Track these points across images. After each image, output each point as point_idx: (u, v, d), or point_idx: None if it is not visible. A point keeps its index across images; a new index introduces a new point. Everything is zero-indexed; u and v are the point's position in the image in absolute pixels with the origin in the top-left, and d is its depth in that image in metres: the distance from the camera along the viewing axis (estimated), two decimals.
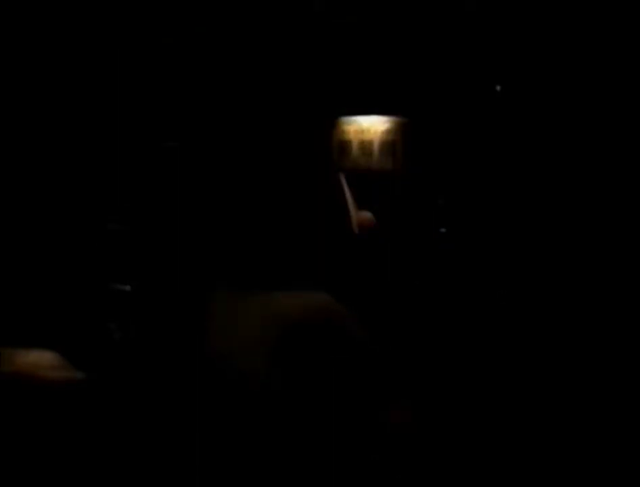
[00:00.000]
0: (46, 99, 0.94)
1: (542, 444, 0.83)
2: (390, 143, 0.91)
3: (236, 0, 0.92)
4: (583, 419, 0.82)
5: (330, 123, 0.90)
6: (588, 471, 0.80)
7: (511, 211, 0.87)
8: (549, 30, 0.87)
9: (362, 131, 0.92)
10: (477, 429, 0.83)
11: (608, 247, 0.85)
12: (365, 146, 0.92)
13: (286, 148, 0.87)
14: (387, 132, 0.91)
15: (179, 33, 0.93)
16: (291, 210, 0.84)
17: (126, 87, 0.94)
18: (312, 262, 0.84)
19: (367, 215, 0.89)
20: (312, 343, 0.57)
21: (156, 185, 0.89)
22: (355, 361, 0.59)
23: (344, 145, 0.92)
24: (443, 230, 0.88)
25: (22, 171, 0.92)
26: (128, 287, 0.85)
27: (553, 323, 0.84)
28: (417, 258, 0.88)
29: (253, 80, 0.89)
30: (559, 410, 0.83)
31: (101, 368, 0.77)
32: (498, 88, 0.87)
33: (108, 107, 0.94)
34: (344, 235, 0.86)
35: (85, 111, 0.94)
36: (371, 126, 0.91)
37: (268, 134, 0.88)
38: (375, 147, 0.92)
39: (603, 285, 0.84)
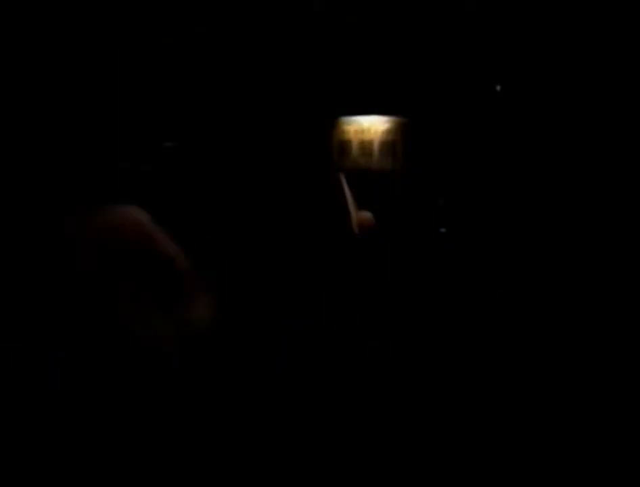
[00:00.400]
0: (45, 99, 0.94)
1: (542, 445, 0.83)
2: (390, 143, 0.92)
3: (236, 0, 0.92)
4: (582, 418, 0.82)
5: (330, 123, 0.91)
6: (582, 467, 0.80)
7: (511, 211, 0.88)
8: (549, 30, 0.88)
9: (362, 131, 0.92)
10: (475, 428, 0.83)
11: (609, 247, 0.85)
12: (365, 146, 0.92)
13: (286, 148, 0.87)
14: (388, 132, 0.91)
15: (179, 33, 0.93)
16: (291, 209, 0.84)
17: (125, 87, 0.94)
18: (312, 262, 0.84)
19: (367, 215, 0.89)
20: (109, 256, 0.55)
21: (157, 185, 0.90)
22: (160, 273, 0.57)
23: (344, 145, 0.92)
24: (443, 230, 0.88)
25: (20, 171, 0.93)
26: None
27: (553, 323, 0.84)
28: (417, 258, 0.88)
29: (253, 80, 0.89)
30: (559, 411, 0.83)
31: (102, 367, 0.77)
32: (498, 88, 0.87)
33: (108, 107, 0.94)
34: (344, 235, 0.86)
35: (85, 111, 0.94)
36: (371, 126, 0.91)
37: (268, 134, 0.88)
38: (375, 147, 0.92)
39: (604, 285, 0.85)
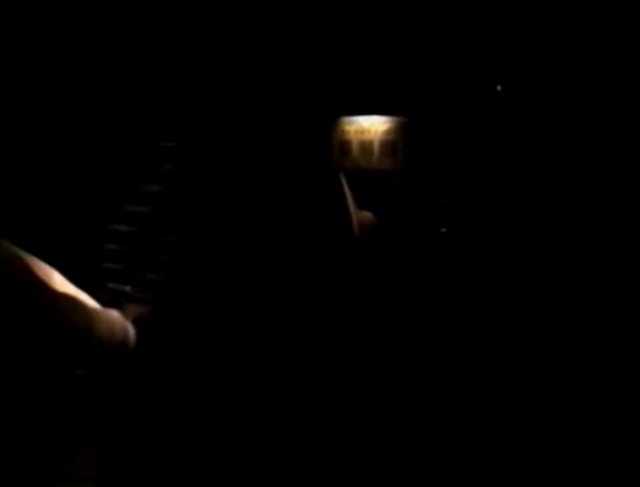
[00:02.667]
0: (43, 99, 0.94)
1: (542, 444, 0.83)
2: (390, 143, 0.92)
3: (237, 1, 0.92)
4: (581, 417, 0.82)
5: (330, 123, 0.90)
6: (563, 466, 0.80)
7: (511, 210, 0.87)
8: (550, 30, 0.87)
9: (363, 131, 0.92)
10: (474, 428, 0.83)
11: (609, 246, 0.85)
12: (365, 146, 0.92)
13: (287, 148, 0.87)
14: (388, 132, 0.91)
15: (181, 33, 0.93)
16: (291, 210, 0.84)
17: (126, 87, 0.94)
18: (313, 260, 0.84)
19: (367, 215, 0.89)
20: None
21: (159, 185, 0.90)
22: None
23: (344, 145, 0.92)
24: (444, 230, 0.88)
25: (19, 172, 0.92)
26: (128, 288, 0.85)
27: (554, 324, 0.84)
28: (417, 258, 0.88)
29: (253, 81, 0.89)
30: (558, 410, 0.83)
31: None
32: (498, 88, 0.87)
33: (108, 107, 0.94)
34: (344, 235, 0.86)
35: (83, 112, 0.94)
36: (371, 126, 0.91)
37: (268, 134, 0.88)
38: (375, 147, 0.92)
39: (604, 284, 0.84)
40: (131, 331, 0.68)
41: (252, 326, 0.81)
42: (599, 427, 0.82)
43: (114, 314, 0.68)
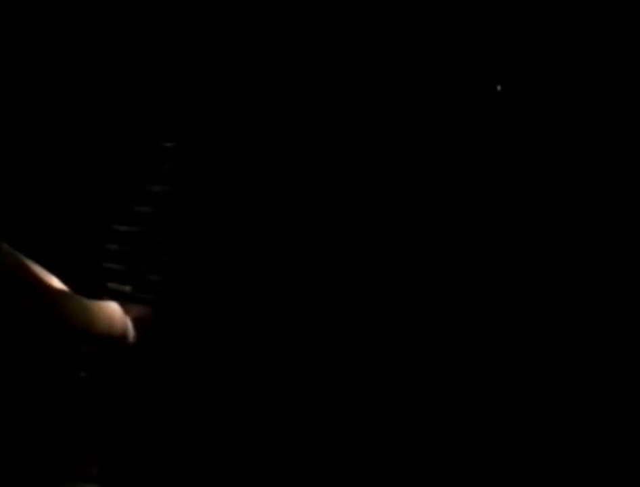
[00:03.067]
0: (42, 99, 0.94)
1: (542, 446, 0.83)
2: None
3: None
4: (581, 418, 0.82)
5: (330, 123, 0.90)
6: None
7: (511, 211, 0.87)
8: (550, 30, 0.87)
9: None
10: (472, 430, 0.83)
11: (610, 248, 0.85)
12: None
13: (286, 148, 0.87)
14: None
15: (178, 32, 0.93)
16: (292, 210, 0.84)
17: (124, 86, 0.94)
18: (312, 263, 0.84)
19: (363, 216, 0.89)
20: None
21: (160, 185, 0.90)
22: None
23: (344, 145, 0.92)
24: (444, 228, 0.88)
25: (19, 172, 0.93)
26: (128, 288, 0.85)
27: (557, 326, 0.84)
28: (419, 257, 0.88)
29: (252, 80, 0.89)
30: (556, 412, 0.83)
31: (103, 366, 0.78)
32: (498, 88, 0.87)
33: (107, 107, 0.94)
34: (343, 235, 0.86)
35: (83, 111, 0.94)
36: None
37: (268, 134, 0.88)
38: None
39: (605, 286, 0.84)
40: (130, 325, 0.69)
41: (252, 326, 0.81)
42: (600, 427, 0.82)
43: (114, 306, 0.69)
